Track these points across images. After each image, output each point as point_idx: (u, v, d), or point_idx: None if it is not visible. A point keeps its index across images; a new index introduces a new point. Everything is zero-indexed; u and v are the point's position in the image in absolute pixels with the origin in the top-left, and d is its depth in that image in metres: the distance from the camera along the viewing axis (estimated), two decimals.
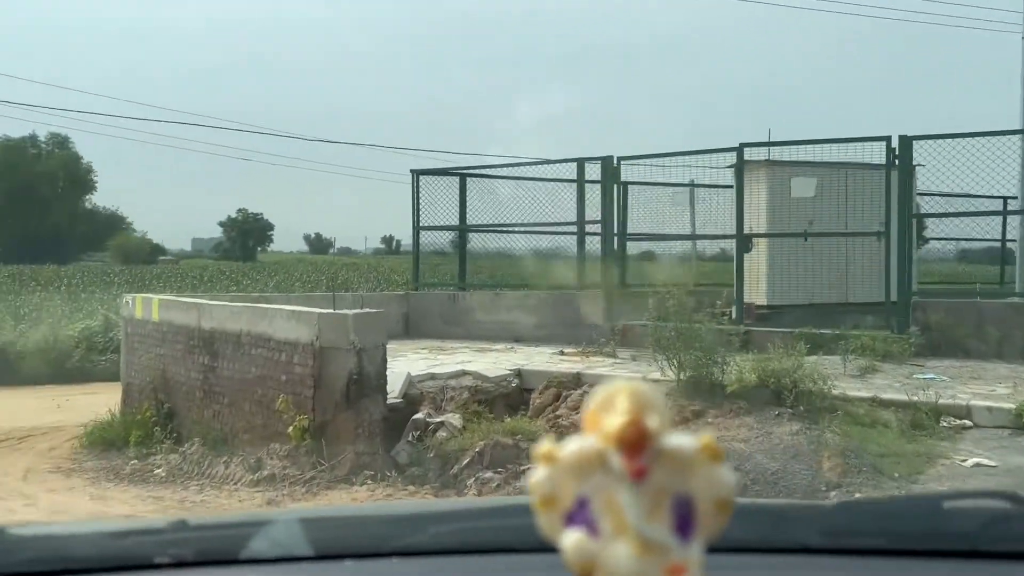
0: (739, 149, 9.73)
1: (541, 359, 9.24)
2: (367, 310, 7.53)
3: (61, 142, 69.05)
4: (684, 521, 0.47)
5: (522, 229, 11.89)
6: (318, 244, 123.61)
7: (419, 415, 7.43)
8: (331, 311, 7.46)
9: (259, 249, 79.99)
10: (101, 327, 16.39)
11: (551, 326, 10.73)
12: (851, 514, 1.14)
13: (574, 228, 11.19)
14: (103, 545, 1.08)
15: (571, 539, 0.46)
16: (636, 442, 0.46)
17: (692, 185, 11.46)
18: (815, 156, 10.25)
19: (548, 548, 0.48)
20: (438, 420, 7.33)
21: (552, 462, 0.48)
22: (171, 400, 9.37)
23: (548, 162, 11.63)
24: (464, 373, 8.24)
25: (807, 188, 10.28)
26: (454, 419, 7.33)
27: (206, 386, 8.79)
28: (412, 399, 7.75)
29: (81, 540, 1.11)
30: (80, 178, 70.05)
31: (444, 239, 13.24)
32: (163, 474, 8.27)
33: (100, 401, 13.63)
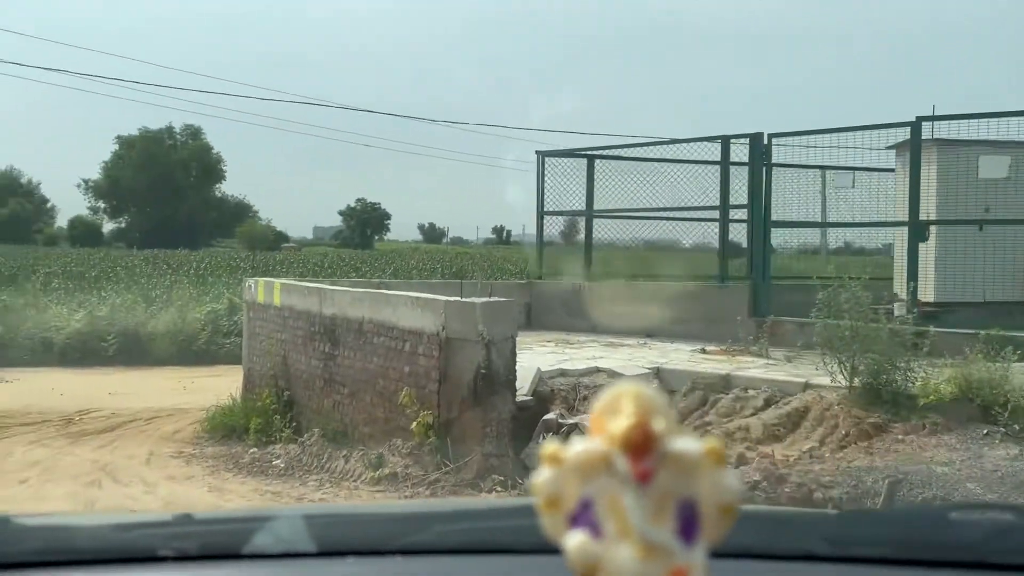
0: (915, 124, 8.53)
1: (680, 357, 8.39)
2: (496, 299, 6.91)
3: (194, 133, 72.17)
4: (688, 525, 0.46)
5: (656, 215, 11.00)
6: (432, 233, 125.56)
7: (551, 415, 6.74)
8: (458, 299, 6.87)
9: (376, 238, 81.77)
10: (226, 310, 16.57)
11: (688, 321, 9.84)
12: (856, 522, 1.13)
13: (714, 214, 10.22)
14: (108, 537, 1.07)
15: (574, 541, 0.46)
16: (641, 445, 0.45)
17: (853, 169, 10.27)
18: (990, 134, 8.90)
19: (551, 549, 0.47)
20: (572, 421, 6.62)
21: (557, 463, 0.47)
22: (291, 388, 9.06)
23: (687, 141, 10.66)
24: (597, 370, 7.50)
25: (998, 168, 8.97)
26: (590, 421, 6.58)
27: (326, 374, 8.40)
28: (542, 397, 7.07)
29: (86, 532, 1.10)
30: (211, 167, 73.18)
31: (556, 228, 12.48)
32: (282, 465, 7.93)
33: (223, 384, 13.67)
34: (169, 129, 72.20)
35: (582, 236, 11.84)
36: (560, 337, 9.93)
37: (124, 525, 1.14)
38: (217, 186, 73.50)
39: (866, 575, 1.03)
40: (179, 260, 28.42)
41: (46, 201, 73.31)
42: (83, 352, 15.23)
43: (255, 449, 8.57)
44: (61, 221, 71.30)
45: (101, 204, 68.93)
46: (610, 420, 0.47)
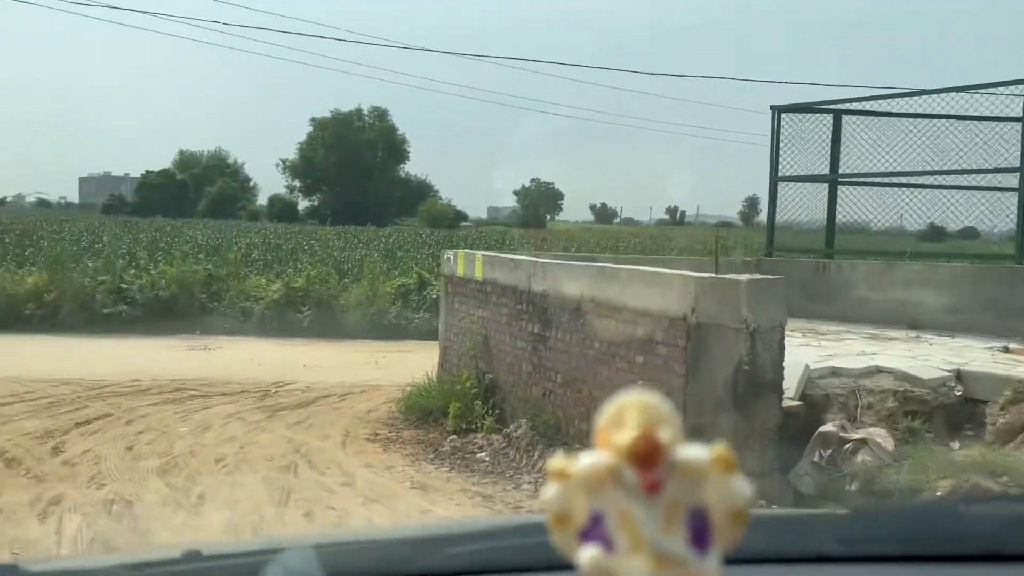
0: None
1: (979, 357, 6.61)
2: (763, 276, 5.49)
3: (381, 114, 74.30)
4: (700, 533, 0.46)
5: (922, 181, 9.06)
6: (603, 214, 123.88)
7: (829, 427, 5.27)
8: (712, 275, 5.51)
9: (548, 218, 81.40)
10: (415, 285, 16.10)
11: (969, 310, 7.96)
12: (868, 521, 1.10)
13: (1011, 180, 8.19)
14: None
15: (587, 556, 0.45)
16: (649, 455, 0.45)
17: None
18: None
19: (564, 566, 0.47)
20: (856, 436, 5.12)
21: (564, 479, 0.47)
22: (493, 370, 8.08)
23: (970, 89, 8.59)
24: (878, 370, 5.90)
25: None
26: (881, 437, 5.08)
27: (535, 359, 7.32)
28: (813, 402, 5.61)
29: (97, 574, 1.08)
30: (396, 148, 75.23)
31: (793, 198, 10.70)
32: (487, 459, 6.95)
33: (414, 361, 13.07)
34: (358, 111, 74.72)
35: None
36: (804, 326, 8.33)
37: (134, 565, 1.10)
38: (401, 166, 75.53)
39: (880, 573, 1.00)
40: (368, 236, 28.78)
41: (249, 180, 78.40)
42: (280, 322, 15.23)
43: (454, 437, 7.68)
44: (262, 199, 76.02)
45: (296, 183, 72.73)
46: (615, 432, 0.46)
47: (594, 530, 0.46)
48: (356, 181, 70.64)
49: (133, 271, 15.50)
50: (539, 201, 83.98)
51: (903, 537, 1.06)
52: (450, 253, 8.93)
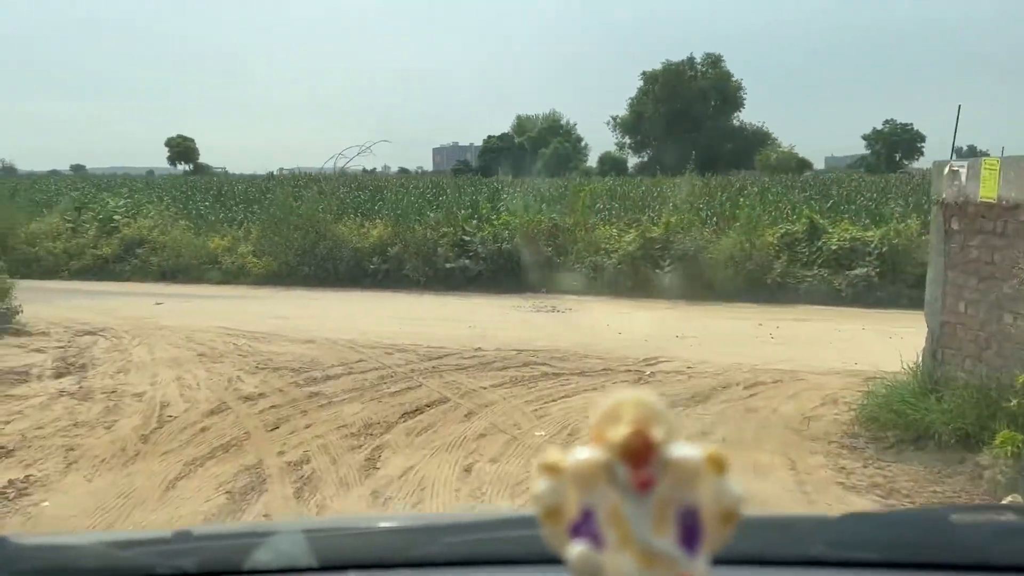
0: None
1: None
2: None
3: (714, 61, 69.13)
4: (690, 533, 0.46)
5: None
6: (970, 157, 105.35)
7: None
8: None
9: (904, 163, 70.24)
10: (805, 233, 12.30)
11: None
12: (857, 526, 1.11)
13: None
14: (105, 555, 1.03)
15: (576, 551, 0.45)
16: (641, 453, 0.45)
17: None
18: None
19: (554, 560, 0.47)
20: None
21: (557, 473, 0.46)
22: None
23: None
24: None
25: None
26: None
27: None
28: None
29: (84, 551, 1.06)
30: (730, 96, 69.59)
31: None
32: None
33: (820, 333, 9.47)
34: (690, 60, 70.00)
35: None
36: None
37: (122, 543, 1.07)
38: (736, 115, 69.73)
39: None
40: (713, 185, 25.15)
41: (580, 140, 77.94)
42: (634, 280, 12.43)
43: (1004, 472, 4.10)
44: (592, 160, 75.07)
45: (627, 140, 70.52)
46: (609, 428, 0.46)
47: (584, 526, 0.46)
48: (687, 134, 66.47)
49: (475, 222, 13.67)
50: (894, 145, 72.91)
51: (891, 544, 1.04)
52: (961, 164, 5.16)
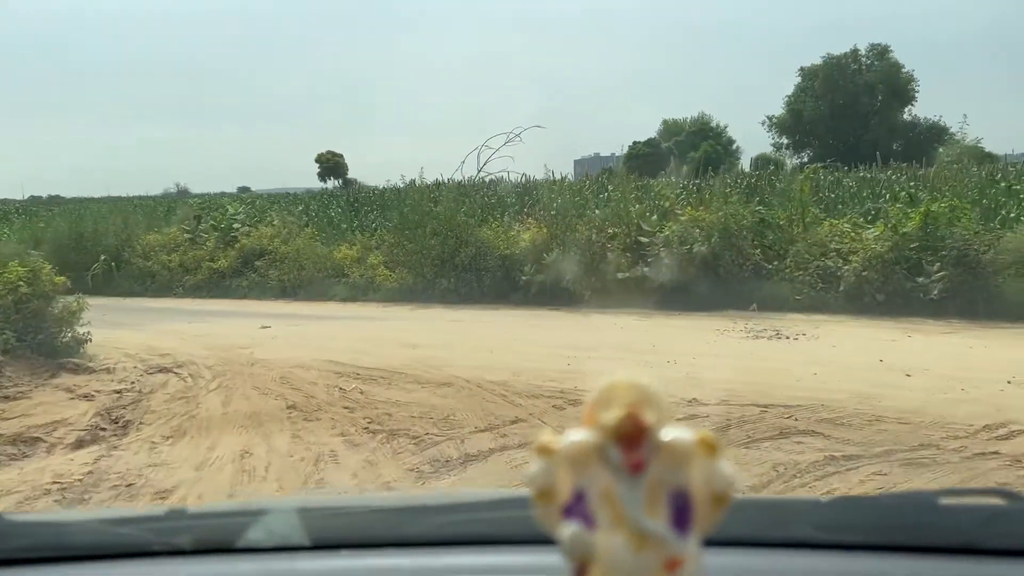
0: None
1: None
2: None
3: (881, 52, 62.35)
4: (681, 515, 0.46)
5: None
6: None
7: None
8: None
9: None
10: None
11: None
12: (847, 509, 1.10)
13: None
14: (100, 532, 1.03)
15: (568, 532, 0.45)
16: (634, 435, 0.45)
17: None
18: None
19: (546, 540, 0.47)
20: None
21: (550, 455, 0.46)
22: None
23: None
24: None
25: None
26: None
27: None
28: None
29: (78, 527, 1.06)
30: (900, 89, 62.42)
31: None
32: None
33: None
34: (853, 52, 63.58)
35: None
36: None
37: (116, 520, 1.07)
38: (908, 108, 62.40)
39: (857, 562, 0.98)
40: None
41: (732, 142, 72.81)
42: (887, 292, 8.83)
43: None
44: (744, 162, 69.69)
45: (784, 140, 64.70)
46: (602, 411, 0.46)
47: (577, 507, 0.46)
48: (850, 131, 60.15)
49: (654, 218, 10.48)
50: None
51: (881, 527, 1.02)
52: None
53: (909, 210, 9.55)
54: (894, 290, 8.81)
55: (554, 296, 10.49)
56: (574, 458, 0.46)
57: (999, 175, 12.76)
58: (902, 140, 60.72)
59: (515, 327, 9.04)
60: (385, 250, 12.04)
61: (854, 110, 59.74)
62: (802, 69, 63.74)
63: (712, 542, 0.47)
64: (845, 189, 13.60)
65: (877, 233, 9.29)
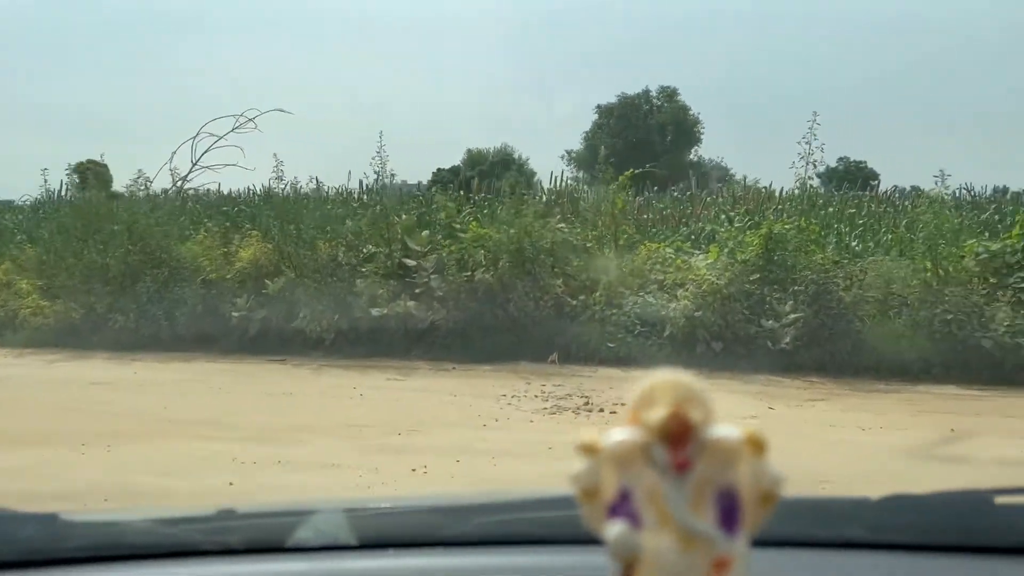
0: None
1: None
2: None
3: (670, 95, 64.98)
4: (728, 514, 0.44)
5: None
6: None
7: None
8: None
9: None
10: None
11: None
12: (897, 509, 1.04)
13: None
14: (153, 532, 1.02)
15: (614, 531, 0.43)
16: (679, 434, 0.43)
17: None
18: None
19: (592, 540, 0.45)
20: None
21: (594, 453, 0.45)
22: None
23: None
24: None
25: None
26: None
27: None
28: None
29: (132, 527, 1.04)
30: (687, 130, 65.27)
31: None
32: None
33: None
34: (645, 93, 65.68)
35: None
36: None
37: (169, 520, 1.04)
38: (694, 149, 65.31)
39: (907, 563, 0.95)
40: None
41: (534, 174, 72.68)
42: (728, 341, 6.51)
43: None
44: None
45: (581, 174, 65.25)
46: (647, 410, 0.44)
47: (622, 506, 0.44)
48: (644, 169, 61.13)
49: (425, 234, 7.55)
50: (850, 181, 69.57)
51: (933, 526, 0.98)
52: None
53: (746, 231, 7.38)
54: (735, 336, 6.50)
55: (282, 341, 7.25)
56: (619, 457, 0.44)
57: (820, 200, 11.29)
58: (686, 179, 63.51)
59: (196, 392, 5.72)
60: (43, 271, 8.17)
61: (647, 148, 61.59)
62: (599, 107, 65.14)
63: (760, 542, 0.46)
64: (657, 211, 11.57)
65: (710, 260, 6.99)
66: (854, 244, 7.99)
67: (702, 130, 64.80)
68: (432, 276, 7.10)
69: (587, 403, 5.44)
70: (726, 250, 6.94)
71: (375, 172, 7.95)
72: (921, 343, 6.14)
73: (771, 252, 6.89)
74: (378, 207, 7.79)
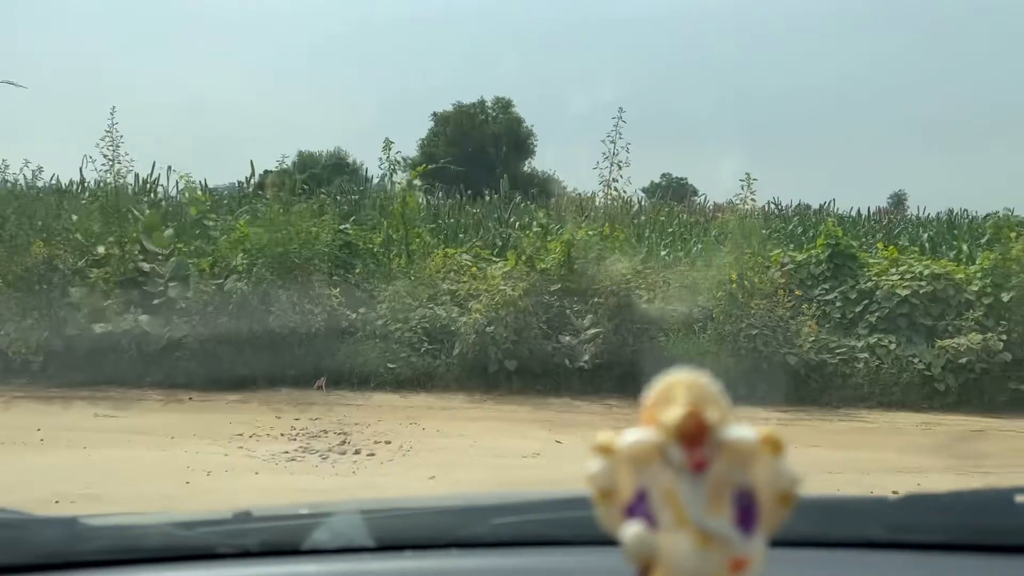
0: None
1: None
2: None
3: (505, 106, 65.56)
4: (746, 514, 0.43)
5: None
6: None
7: None
8: None
9: None
10: (827, 261, 6.28)
11: None
12: (916, 508, 1.03)
13: None
14: (171, 535, 1.00)
15: (631, 531, 0.42)
16: (696, 434, 0.43)
17: None
18: None
19: (608, 541, 0.44)
20: None
21: (610, 454, 0.44)
22: None
23: None
24: None
25: None
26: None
27: None
28: None
29: (151, 530, 1.03)
30: (521, 142, 66.09)
31: None
32: None
33: None
34: (480, 103, 65.83)
35: None
36: None
37: (187, 523, 1.03)
38: (528, 161, 66.21)
39: (927, 562, 0.94)
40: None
41: (370, 179, 70.99)
42: (523, 360, 5.68)
43: None
44: None
45: (417, 183, 64.23)
46: (663, 410, 0.43)
47: (639, 506, 0.43)
48: (480, 178, 61.51)
49: (168, 232, 6.18)
50: (668, 198, 73.47)
51: (953, 526, 0.96)
52: None
53: (548, 238, 6.63)
54: (531, 354, 5.69)
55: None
56: (635, 457, 0.44)
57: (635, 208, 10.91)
58: (524, 189, 64.32)
59: None
60: None
61: (482, 158, 61.71)
62: (435, 114, 64.49)
63: (778, 542, 0.45)
64: (469, 215, 10.76)
65: (507, 268, 6.16)
66: (663, 253, 7.50)
67: (535, 142, 65.77)
68: (171, 284, 5.76)
69: (343, 442, 4.39)
70: (523, 257, 6.13)
71: (104, 156, 6.44)
72: (726, 360, 5.62)
73: (573, 261, 6.17)
74: (103, 198, 6.30)
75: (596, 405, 5.38)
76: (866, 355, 5.78)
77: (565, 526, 0.96)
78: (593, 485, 0.44)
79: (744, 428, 0.43)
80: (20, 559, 0.94)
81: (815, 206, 13.24)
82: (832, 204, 13.40)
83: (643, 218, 9.70)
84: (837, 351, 5.82)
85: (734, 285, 5.95)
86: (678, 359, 5.66)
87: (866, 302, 6.13)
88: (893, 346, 5.81)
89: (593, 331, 5.64)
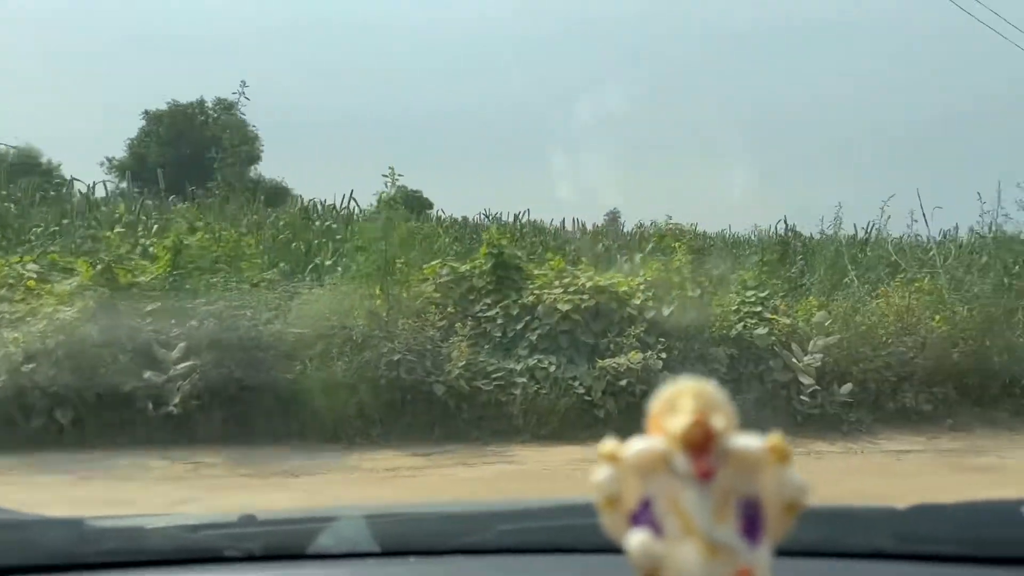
0: None
1: None
2: None
3: (227, 107, 61.21)
4: (751, 523, 0.43)
5: None
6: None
7: None
8: None
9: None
10: (491, 272, 5.55)
11: None
12: (927, 518, 1.03)
13: None
14: (177, 538, 1.02)
15: (636, 540, 0.42)
16: (702, 442, 0.42)
17: None
18: None
19: (613, 549, 0.44)
20: None
21: (616, 462, 0.43)
22: None
23: None
24: None
25: None
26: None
27: None
28: None
29: (156, 533, 1.03)
30: (246, 146, 62.07)
31: None
32: None
33: None
34: (200, 103, 60.83)
35: None
36: None
37: (192, 526, 1.04)
38: (254, 167, 62.37)
39: (934, 572, 0.94)
40: None
41: (67, 181, 62.13)
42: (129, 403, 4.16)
43: None
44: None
45: (125, 186, 57.46)
46: (669, 418, 0.43)
47: (644, 514, 0.43)
48: (198, 182, 56.49)
49: None
50: (409, 206, 74.10)
51: (963, 537, 0.96)
52: None
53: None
54: (100, 399, 4.19)
55: None
56: (641, 465, 0.43)
57: (315, 214, 9.76)
58: (247, 196, 60.04)
59: None
60: None
61: (200, 160, 56.57)
62: (147, 112, 57.93)
63: (785, 551, 0.44)
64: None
65: (81, 281, 4.58)
66: (320, 259, 6.35)
67: (262, 147, 61.97)
68: None
69: None
70: (99, 267, 4.60)
71: None
72: (363, 394, 4.57)
73: (179, 271, 4.77)
74: None
75: (180, 464, 4.04)
76: (524, 379, 5.09)
77: (569, 534, 0.96)
78: (598, 493, 0.43)
79: (751, 437, 0.42)
80: (27, 560, 0.93)
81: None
82: (527, 214, 13.29)
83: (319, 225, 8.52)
84: (494, 376, 5.06)
85: (378, 302, 4.95)
86: (302, 395, 4.53)
87: (528, 318, 5.48)
88: (553, 368, 5.18)
89: (185, 365, 4.29)
